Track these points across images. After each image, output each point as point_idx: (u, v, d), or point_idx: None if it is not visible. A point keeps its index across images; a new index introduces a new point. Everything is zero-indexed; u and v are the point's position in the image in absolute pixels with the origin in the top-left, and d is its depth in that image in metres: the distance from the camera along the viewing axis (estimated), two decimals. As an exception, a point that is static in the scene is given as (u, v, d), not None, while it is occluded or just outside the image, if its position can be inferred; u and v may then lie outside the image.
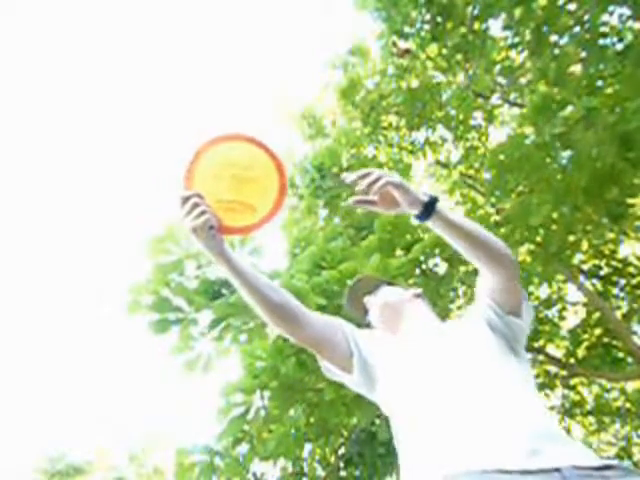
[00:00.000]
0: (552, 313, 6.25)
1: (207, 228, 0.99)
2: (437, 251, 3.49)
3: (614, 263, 5.87)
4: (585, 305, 6.18)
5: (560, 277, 5.98)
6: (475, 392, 0.98)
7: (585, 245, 5.41)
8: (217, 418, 3.40)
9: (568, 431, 6.96)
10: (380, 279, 1.63)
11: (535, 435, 0.88)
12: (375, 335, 1.32)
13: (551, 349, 6.23)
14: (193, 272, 2.98)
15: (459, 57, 5.45)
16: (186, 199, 1.01)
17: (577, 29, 4.63)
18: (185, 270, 2.96)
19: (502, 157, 3.62)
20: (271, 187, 1.09)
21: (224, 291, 3.02)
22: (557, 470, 0.80)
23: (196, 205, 0.99)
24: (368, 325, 1.48)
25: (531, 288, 5.94)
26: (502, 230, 3.77)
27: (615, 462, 0.83)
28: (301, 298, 3.00)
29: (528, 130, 3.62)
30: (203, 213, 0.99)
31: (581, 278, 5.96)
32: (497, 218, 4.33)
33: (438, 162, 7.35)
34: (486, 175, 3.88)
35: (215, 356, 3.05)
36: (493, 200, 4.16)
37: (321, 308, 3.30)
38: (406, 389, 1.09)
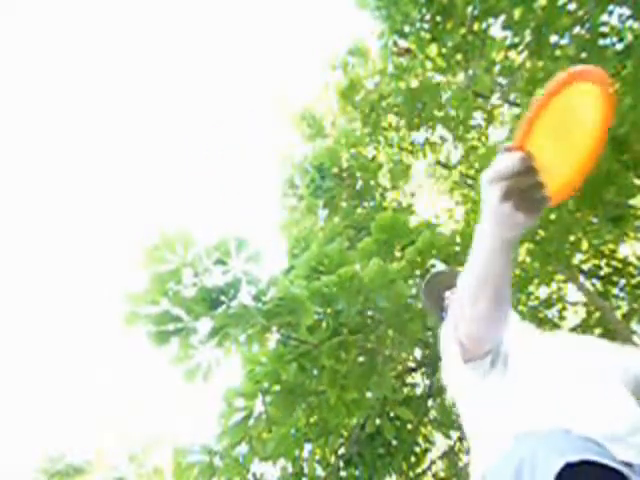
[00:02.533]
0: (552, 313, 6.26)
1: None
2: (434, 252, 3.48)
3: (614, 263, 5.87)
4: (585, 305, 6.18)
5: (560, 277, 5.98)
6: (597, 386, 1.01)
7: (585, 245, 5.41)
8: (218, 423, 3.39)
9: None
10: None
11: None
12: None
13: (551, 349, 6.21)
14: (190, 280, 2.96)
15: (459, 57, 5.44)
16: (529, 166, 0.74)
17: (577, 29, 4.62)
18: (182, 278, 2.93)
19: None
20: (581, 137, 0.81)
21: (222, 298, 3.00)
22: (629, 465, 0.82)
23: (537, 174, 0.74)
24: (442, 320, 1.43)
25: (531, 288, 5.94)
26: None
27: None
28: (299, 305, 2.96)
29: None
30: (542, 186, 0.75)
31: (581, 278, 5.96)
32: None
33: (438, 162, 7.35)
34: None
35: (215, 364, 3.03)
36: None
37: (320, 315, 3.30)
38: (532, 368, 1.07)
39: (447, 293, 1.45)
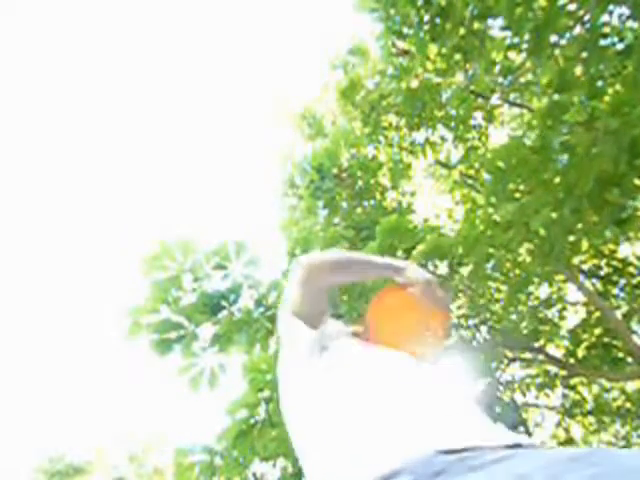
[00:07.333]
0: (552, 313, 6.26)
1: None
2: (437, 254, 3.48)
3: (614, 263, 5.87)
4: (585, 305, 6.18)
5: (560, 277, 5.98)
6: None
7: (585, 245, 5.40)
8: (223, 436, 3.36)
9: (567, 431, 6.97)
10: None
11: None
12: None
13: (551, 349, 6.24)
14: (190, 285, 2.93)
15: (458, 57, 5.43)
16: None
17: (577, 29, 4.61)
18: (183, 284, 2.90)
19: (499, 162, 3.62)
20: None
21: (223, 303, 2.98)
22: None
23: None
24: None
25: (531, 288, 5.94)
26: (503, 233, 3.76)
27: None
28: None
29: (533, 136, 3.60)
30: None
31: (581, 278, 5.96)
32: (497, 218, 4.32)
33: (438, 162, 7.35)
34: (486, 177, 3.87)
35: (220, 370, 3.00)
36: (493, 203, 4.16)
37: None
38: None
39: None
